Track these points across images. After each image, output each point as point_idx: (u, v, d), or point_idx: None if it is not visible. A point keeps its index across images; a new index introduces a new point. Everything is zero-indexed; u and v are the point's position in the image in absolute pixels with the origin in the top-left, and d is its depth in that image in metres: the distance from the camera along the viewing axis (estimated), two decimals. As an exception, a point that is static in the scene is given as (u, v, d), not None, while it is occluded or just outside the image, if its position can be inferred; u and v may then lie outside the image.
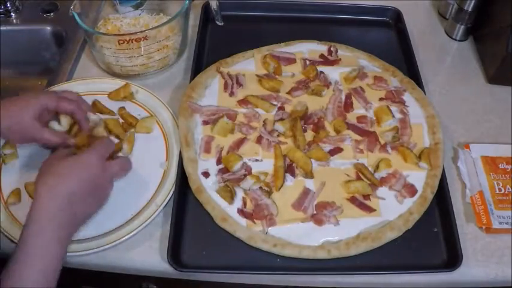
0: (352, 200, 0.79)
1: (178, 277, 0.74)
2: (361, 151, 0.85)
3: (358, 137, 0.87)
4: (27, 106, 0.75)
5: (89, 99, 0.89)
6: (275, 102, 0.91)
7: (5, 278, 0.59)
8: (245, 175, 0.80)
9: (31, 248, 0.62)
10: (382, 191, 0.81)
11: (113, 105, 0.90)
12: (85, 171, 0.67)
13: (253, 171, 0.82)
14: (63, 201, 0.64)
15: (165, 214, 0.77)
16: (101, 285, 0.89)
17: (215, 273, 0.73)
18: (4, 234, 0.74)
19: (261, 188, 0.79)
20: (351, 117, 0.90)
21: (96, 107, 0.89)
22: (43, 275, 0.61)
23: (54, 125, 0.82)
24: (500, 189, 0.82)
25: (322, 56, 0.99)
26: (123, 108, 0.90)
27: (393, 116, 0.89)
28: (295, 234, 0.75)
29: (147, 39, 0.90)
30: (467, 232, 0.79)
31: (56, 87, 0.91)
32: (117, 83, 0.93)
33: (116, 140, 0.84)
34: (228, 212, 0.77)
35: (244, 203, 0.78)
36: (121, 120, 0.88)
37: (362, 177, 0.82)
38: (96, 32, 0.96)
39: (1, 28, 1.10)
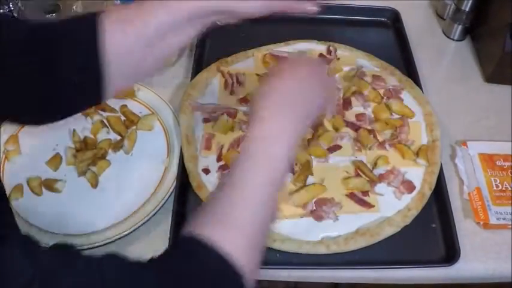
0: (351, 196, 0.80)
1: (178, 272, 0.74)
2: (360, 148, 0.86)
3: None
4: None
5: (91, 97, 0.90)
6: (275, 101, 0.92)
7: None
8: (245, 172, 0.81)
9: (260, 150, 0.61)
10: (381, 187, 0.82)
11: (115, 103, 0.90)
12: (299, 71, 0.68)
13: (253, 168, 0.82)
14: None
15: (166, 210, 0.78)
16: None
17: (215, 268, 0.74)
18: (7, 230, 0.74)
19: (260, 184, 0.80)
20: (350, 115, 0.90)
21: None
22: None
23: None
24: (497, 186, 0.83)
25: (321, 55, 1.00)
26: (125, 105, 0.90)
27: (391, 114, 0.90)
28: (294, 230, 0.76)
29: (148, 38, 0.91)
30: (465, 228, 0.79)
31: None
32: (118, 82, 0.94)
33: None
34: (228, 208, 0.78)
35: (244, 199, 0.79)
36: (123, 118, 0.89)
37: (361, 173, 0.83)
38: (98, 31, 0.97)
39: (4, 28, 1.11)
